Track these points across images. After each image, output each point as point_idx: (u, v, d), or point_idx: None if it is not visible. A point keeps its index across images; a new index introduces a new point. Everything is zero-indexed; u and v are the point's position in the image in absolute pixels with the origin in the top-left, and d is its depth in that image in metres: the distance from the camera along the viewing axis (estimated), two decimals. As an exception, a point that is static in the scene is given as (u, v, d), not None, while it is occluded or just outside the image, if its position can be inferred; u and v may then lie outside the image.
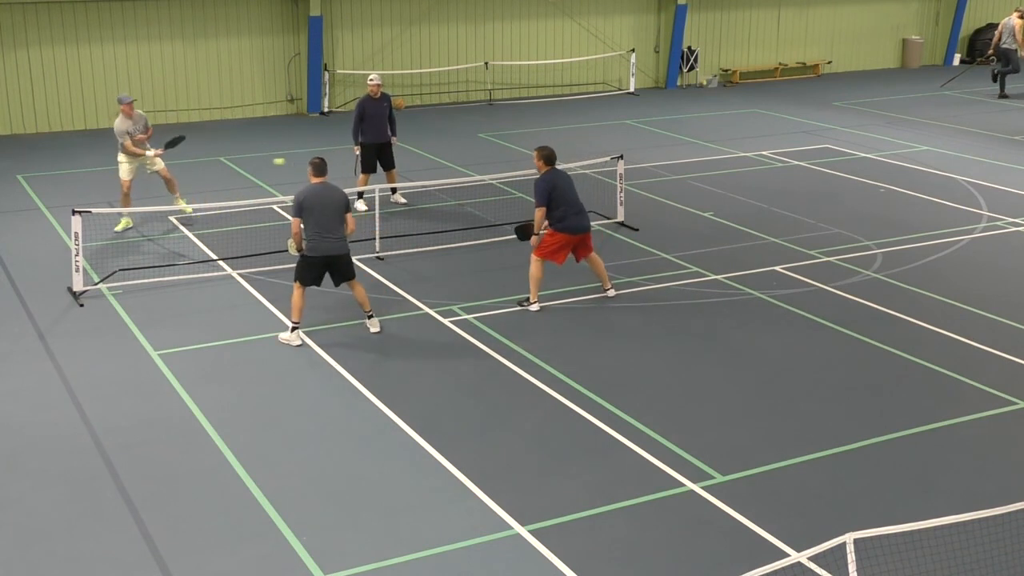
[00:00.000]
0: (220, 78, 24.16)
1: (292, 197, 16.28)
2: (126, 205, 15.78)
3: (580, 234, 12.79)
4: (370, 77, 16.79)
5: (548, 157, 12.76)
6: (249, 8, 24.21)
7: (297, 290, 11.87)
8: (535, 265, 12.80)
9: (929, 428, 10.08)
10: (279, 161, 16.70)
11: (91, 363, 11.43)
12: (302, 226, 11.78)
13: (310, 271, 11.88)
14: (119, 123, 15.66)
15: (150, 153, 15.74)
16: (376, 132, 16.69)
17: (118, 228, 15.85)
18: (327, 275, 12.03)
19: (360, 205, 16.91)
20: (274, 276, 13.93)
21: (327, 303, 12.88)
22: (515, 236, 13.28)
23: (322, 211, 11.67)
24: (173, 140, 16.16)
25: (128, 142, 15.61)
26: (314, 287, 12.12)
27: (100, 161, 20.14)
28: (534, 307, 12.79)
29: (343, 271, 12.00)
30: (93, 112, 23.17)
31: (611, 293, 13.19)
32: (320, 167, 11.87)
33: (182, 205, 16.02)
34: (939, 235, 15.77)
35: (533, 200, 12.72)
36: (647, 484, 9.03)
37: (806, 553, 6.50)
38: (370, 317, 12.20)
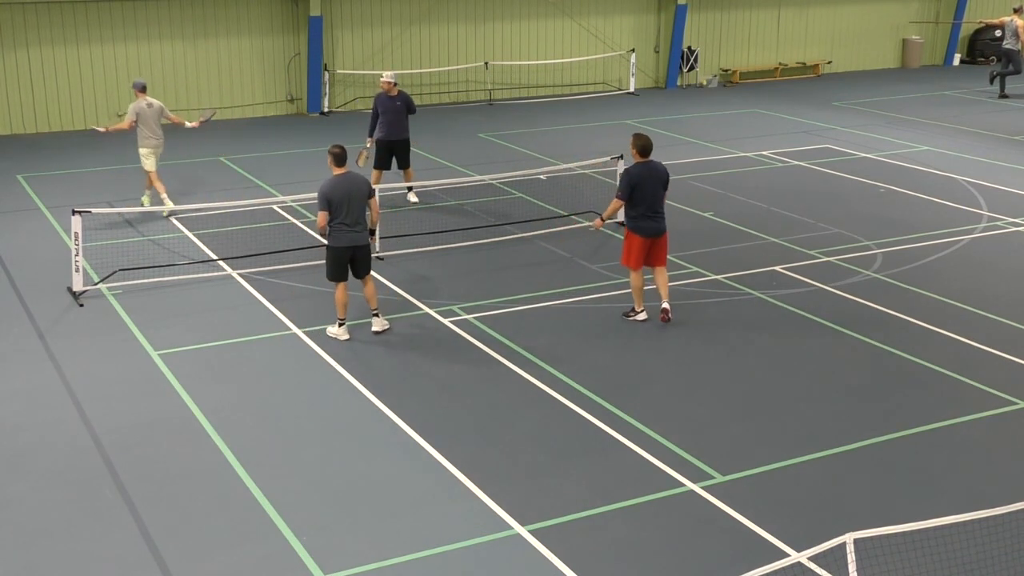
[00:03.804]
0: (220, 78, 24.17)
1: (293, 197, 16.36)
2: (157, 189, 16.55)
3: (652, 237, 12.24)
4: (384, 75, 16.91)
5: (643, 148, 12.19)
6: (249, 8, 24.21)
7: (337, 288, 11.96)
8: (632, 275, 12.44)
9: (929, 428, 10.08)
10: None
11: (91, 363, 11.43)
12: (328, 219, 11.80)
13: (336, 265, 11.88)
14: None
15: (190, 125, 17.25)
16: (389, 129, 16.73)
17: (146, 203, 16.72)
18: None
19: (411, 197, 17.30)
20: (274, 276, 13.93)
21: (326, 303, 12.87)
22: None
23: (349, 203, 11.64)
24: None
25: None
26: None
27: (100, 161, 20.16)
28: (640, 316, 12.43)
29: (364, 263, 12.02)
30: (93, 112, 23.17)
31: (664, 306, 12.39)
32: (341, 157, 11.80)
33: (143, 200, 16.85)
34: (939, 235, 15.77)
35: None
36: (647, 484, 9.03)
37: (806, 553, 6.50)
38: (375, 316, 12.20)
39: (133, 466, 9.33)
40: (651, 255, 12.38)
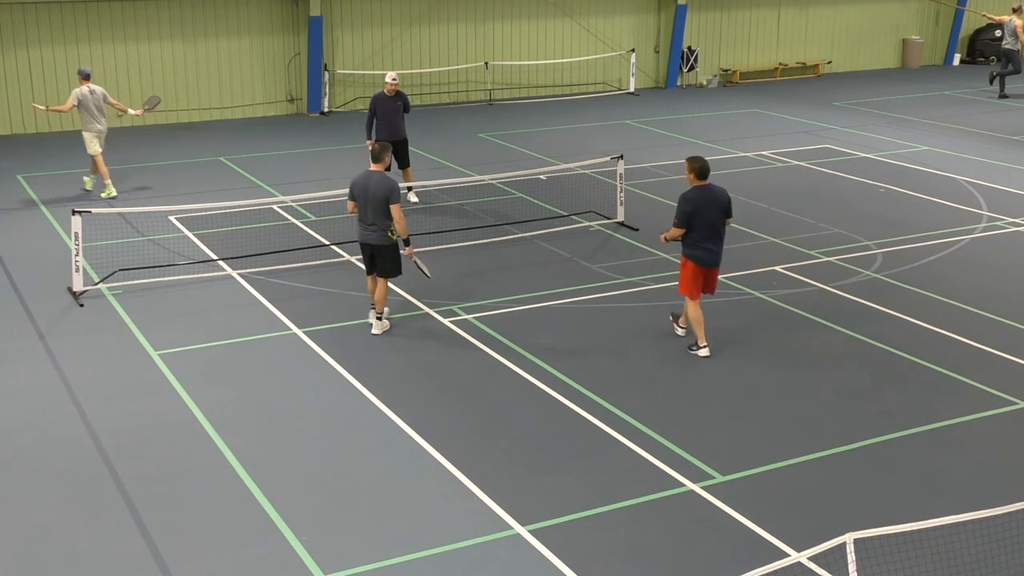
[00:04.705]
0: (220, 78, 24.16)
1: (293, 197, 16.36)
2: (100, 174, 17.68)
3: (707, 267, 11.46)
4: (389, 76, 16.89)
5: (701, 171, 11.27)
6: (249, 8, 24.21)
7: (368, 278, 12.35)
8: (688, 305, 11.63)
9: (929, 428, 10.08)
10: None
11: (91, 363, 11.43)
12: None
13: (363, 256, 12.29)
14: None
15: (133, 112, 18.53)
16: (389, 130, 16.74)
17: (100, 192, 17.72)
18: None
19: (411, 197, 17.21)
20: (274, 276, 13.93)
21: (327, 303, 12.88)
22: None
23: (364, 200, 11.85)
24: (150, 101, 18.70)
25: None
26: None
27: (100, 161, 20.16)
28: (702, 351, 11.58)
29: (380, 263, 12.08)
30: (93, 112, 23.15)
31: (679, 332, 12.05)
32: (373, 154, 12.03)
33: (86, 181, 17.84)
34: (939, 235, 15.77)
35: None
36: (647, 484, 9.03)
37: (806, 553, 6.51)
38: (379, 319, 12.19)
39: (133, 466, 9.33)
40: (705, 285, 11.67)
